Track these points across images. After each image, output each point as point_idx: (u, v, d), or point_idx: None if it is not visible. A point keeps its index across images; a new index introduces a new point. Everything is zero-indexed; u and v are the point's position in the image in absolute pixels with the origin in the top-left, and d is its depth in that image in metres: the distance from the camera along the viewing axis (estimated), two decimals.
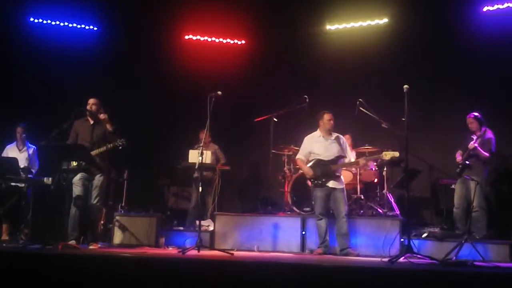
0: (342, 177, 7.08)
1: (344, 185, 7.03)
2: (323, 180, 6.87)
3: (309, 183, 7.13)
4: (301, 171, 8.03)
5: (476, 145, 6.94)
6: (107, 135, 6.79)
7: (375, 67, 9.46)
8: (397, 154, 6.73)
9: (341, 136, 7.18)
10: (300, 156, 7.21)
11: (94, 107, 6.90)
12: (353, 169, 7.79)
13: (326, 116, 7.06)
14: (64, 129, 6.69)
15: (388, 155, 6.74)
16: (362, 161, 7.12)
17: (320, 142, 7.07)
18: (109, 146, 6.71)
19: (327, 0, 9.59)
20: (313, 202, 7.19)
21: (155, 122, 9.66)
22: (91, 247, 6.56)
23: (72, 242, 6.41)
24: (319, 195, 6.91)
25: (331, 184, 6.87)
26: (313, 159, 7.04)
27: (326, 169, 6.90)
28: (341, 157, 6.98)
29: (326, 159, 6.95)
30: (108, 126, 6.77)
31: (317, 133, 7.16)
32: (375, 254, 6.68)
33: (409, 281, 4.22)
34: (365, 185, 8.07)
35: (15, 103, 9.07)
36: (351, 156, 7.27)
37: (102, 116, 6.83)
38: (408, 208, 6.83)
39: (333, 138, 7.07)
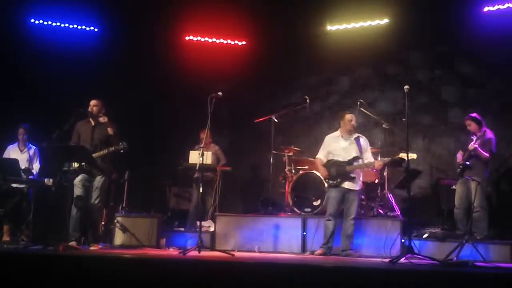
0: (360, 178, 6.99)
1: (360, 187, 6.97)
2: (338, 180, 6.84)
3: (326, 183, 7.10)
4: (302, 172, 8.04)
5: (476, 145, 6.93)
6: (109, 136, 6.79)
7: (375, 68, 9.48)
8: (415, 156, 6.63)
9: (362, 136, 7.08)
10: (319, 155, 7.15)
11: (95, 109, 6.89)
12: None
13: (347, 117, 7.00)
14: (65, 130, 6.69)
15: (405, 156, 6.63)
16: (378, 162, 6.94)
17: (339, 143, 7.03)
18: (110, 149, 6.70)
19: (327, 0, 9.58)
20: (325, 202, 7.16)
21: (156, 122, 9.66)
22: (92, 248, 6.56)
23: (73, 243, 6.41)
24: (333, 196, 6.88)
25: (346, 185, 6.83)
26: (329, 159, 7.03)
27: (341, 169, 6.87)
28: (357, 158, 6.91)
29: (342, 159, 6.93)
30: (110, 130, 6.77)
31: (337, 133, 7.11)
32: (376, 255, 6.67)
33: (410, 281, 4.22)
34: (366, 186, 8.04)
35: (16, 104, 9.07)
36: (370, 157, 7.05)
37: (102, 119, 6.83)
38: (409, 208, 6.84)
39: (352, 138, 7.01)
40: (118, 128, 6.96)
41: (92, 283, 4.52)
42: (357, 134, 7.07)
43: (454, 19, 8.74)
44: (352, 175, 6.87)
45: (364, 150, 6.97)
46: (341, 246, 6.80)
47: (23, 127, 8.06)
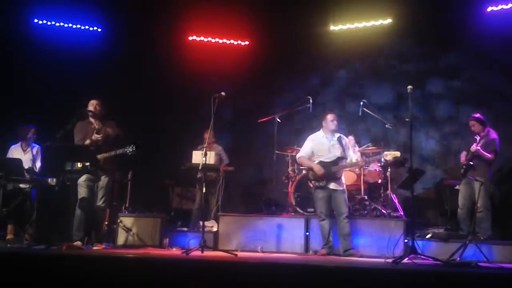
0: (343, 178, 7.02)
1: (345, 187, 6.99)
2: (324, 181, 6.85)
3: (311, 184, 7.11)
4: (305, 172, 8.03)
5: (478, 147, 6.91)
6: (111, 137, 6.78)
7: (379, 68, 9.47)
8: (398, 154, 6.68)
9: (343, 136, 7.13)
10: (302, 154, 7.12)
11: (97, 108, 6.87)
12: (357, 169, 7.77)
13: (329, 117, 7.01)
14: (68, 130, 6.69)
15: (389, 155, 6.67)
16: (361, 162, 7.09)
17: (323, 143, 7.03)
18: (118, 152, 6.66)
19: (331, 0, 9.58)
20: (314, 204, 7.19)
21: (159, 122, 9.67)
22: (95, 247, 6.56)
23: (78, 243, 6.41)
24: (320, 197, 6.89)
25: (332, 185, 6.84)
26: (314, 161, 7.01)
27: (327, 170, 6.87)
28: (342, 158, 6.92)
29: (327, 160, 6.93)
30: (109, 130, 6.75)
31: (320, 133, 7.11)
32: (379, 255, 6.65)
33: (413, 282, 4.22)
34: (369, 186, 8.06)
35: (19, 104, 9.09)
36: (353, 156, 7.15)
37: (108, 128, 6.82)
38: (412, 208, 6.84)
39: (335, 138, 7.03)
40: (122, 127, 6.96)
41: (95, 283, 4.52)
42: (339, 134, 7.07)
43: (458, 19, 8.74)
44: (338, 175, 6.88)
45: (346, 150, 6.98)
46: (341, 246, 6.79)
47: (31, 127, 8.05)
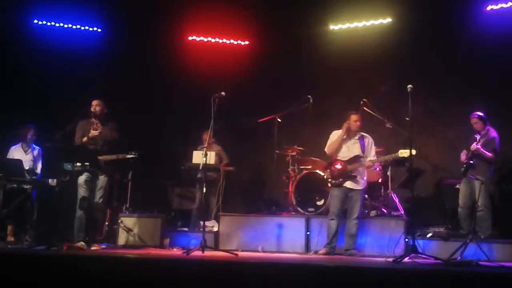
0: (364, 177, 6.96)
1: (363, 186, 6.95)
2: (340, 180, 6.84)
3: (329, 184, 7.10)
4: (306, 171, 8.02)
5: (478, 146, 6.91)
6: (108, 138, 6.78)
7: (378, 67, 9.46)
8: (414, 151, 6.63)
9: (366, 135, 7.08)
10: (328, 146, 7.11)
11: (98, 109, 6.90)
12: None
13: (353, 117, 7.01)
14: (68, 131, 6.71)
15: (404, 153, 6.63)
16: (376, 160, 7.05)
17: (344, 141, 7.03)
18: (119, 156, 6.71)
19: (330, 0, 9.58)
20: (328, 201, 7.16)
21: (159, 123, 9.66)
22: (93, 248, 6.56)
23: (81, 244, 6.40)
24: (336, 194, 6.89)
25: (348, 184, 6.84)
26: (331, 160, 7.01)
27: (342, 169, 6.87)
28: (359, 157, 6.92)
29: (344, 159, 6.93)
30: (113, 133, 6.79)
31: (343, 132, 7.12)
32: (380, 254, 6.67)
33: (414, 281, 4.22)
34: (370, 185, 8.02)
35: (19, 104, 9.08)
36: (373, 156, 7.04)
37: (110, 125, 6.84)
38: (413, 208, 6.83)
39: (356, 138, 7.02)
40: (121, 127, 6.96)
41: (95, 283, 4.53)
42: (361, 133, 7.07)
43: (457, 18, 8.73)
44: (353, 174, 6.87)
45: (367, 149, 6.96)
46: (344, 245, 6.80)
47: (31, 128, 8.06)
